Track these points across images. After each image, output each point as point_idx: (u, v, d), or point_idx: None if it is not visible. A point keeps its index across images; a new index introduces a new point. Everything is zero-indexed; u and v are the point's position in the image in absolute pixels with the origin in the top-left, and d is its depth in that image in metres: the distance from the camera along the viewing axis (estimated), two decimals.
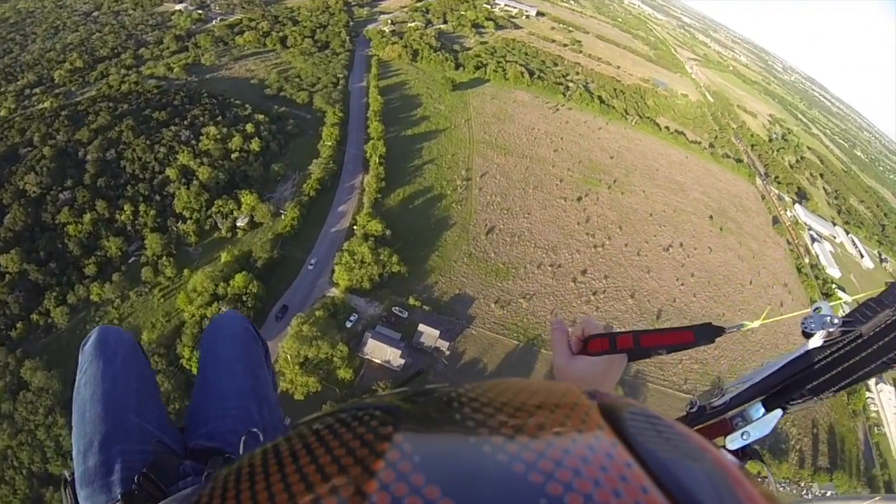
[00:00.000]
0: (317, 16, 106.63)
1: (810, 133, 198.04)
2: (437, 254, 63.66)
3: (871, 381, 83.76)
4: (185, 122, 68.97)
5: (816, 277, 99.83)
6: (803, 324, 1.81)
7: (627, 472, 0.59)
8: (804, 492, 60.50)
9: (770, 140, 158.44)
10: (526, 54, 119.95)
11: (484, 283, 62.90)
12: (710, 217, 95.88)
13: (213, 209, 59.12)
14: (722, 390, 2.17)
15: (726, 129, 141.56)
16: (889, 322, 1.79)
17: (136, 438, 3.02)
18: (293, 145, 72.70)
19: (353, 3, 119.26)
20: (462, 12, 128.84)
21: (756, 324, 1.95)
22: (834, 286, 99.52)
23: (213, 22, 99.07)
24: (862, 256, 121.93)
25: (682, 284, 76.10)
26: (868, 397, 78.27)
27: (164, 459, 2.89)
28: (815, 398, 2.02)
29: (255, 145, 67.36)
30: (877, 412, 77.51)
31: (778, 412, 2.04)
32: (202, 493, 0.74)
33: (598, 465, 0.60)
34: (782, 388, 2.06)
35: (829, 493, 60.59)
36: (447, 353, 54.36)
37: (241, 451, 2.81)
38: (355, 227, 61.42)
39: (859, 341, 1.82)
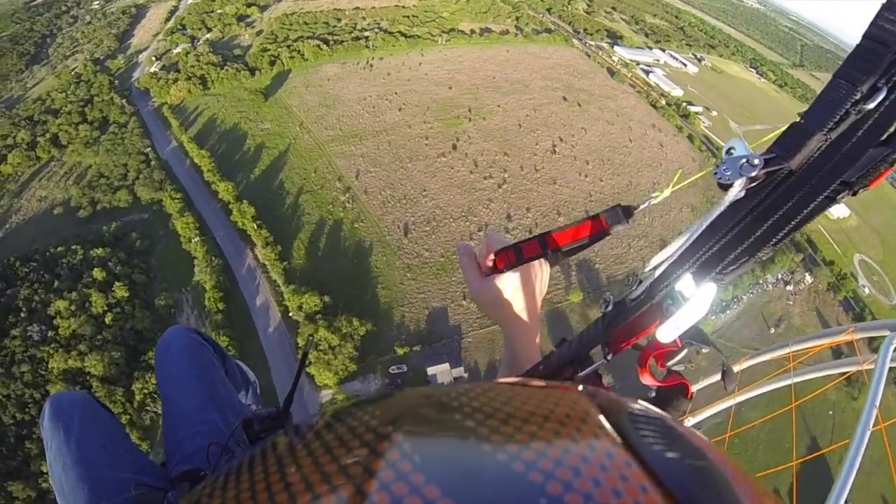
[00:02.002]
0: (73, 93, 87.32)
1: None
2: (381, 286, 56.58)
3: None
4: (23, 314, 52.64)
5: (668, 105, 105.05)
6: (716, 174, 1.42)
7: (627, 471, 0.59)
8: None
9: None
10: (306, 24, 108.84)
11: (440, 286, 57.83)
12: (564, 98, 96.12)
13: (136, 398, 46.95)
14: (637, 277, 1.77)
15: (519, 5, 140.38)
16: (822, 148, 1.39)
17: (116, 491, 3.00)
18: (156, 261, 59.10)
19: (103, 58, 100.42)
20: (219, 10, 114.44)
21: (666, 193, 1.64)
22: (684, 104, 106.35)
23: None
24: (685, 66, 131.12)
25: (586, 176, 76.57)
26: None
27: (147, 499, 2.87)
28: (751, 259, 1.55)
29: (120, 292, 53.11)
30: None
31: (711, 286, 1.61)
32: (202, 494, 0.74)
33: (598, 465, 0.59)
34: (710, 255, 1.63)
35: None
36: (466, 375, 50.46)
37: (209, 465, 2.81)
38: (291, 314, 52.16)
39: (790, 179, 1.44)
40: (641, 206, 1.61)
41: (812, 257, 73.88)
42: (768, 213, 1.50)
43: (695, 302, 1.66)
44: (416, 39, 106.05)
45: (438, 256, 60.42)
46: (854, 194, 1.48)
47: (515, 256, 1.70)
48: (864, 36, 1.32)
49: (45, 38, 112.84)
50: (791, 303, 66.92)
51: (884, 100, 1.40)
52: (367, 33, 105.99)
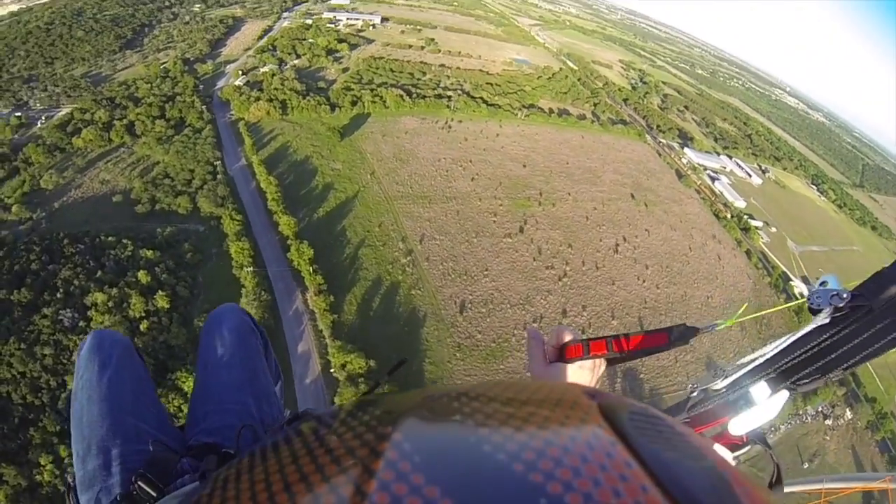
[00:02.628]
0: (158, 86, 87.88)
1: (656, 67, 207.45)
2: (429, 360, 53.99)
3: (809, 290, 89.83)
4: (59, 295, 50.32)
5: (730, 216, 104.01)
6: (809, 299, 1.83)
7: (627, 471, 0.59)
8: None
9: (634, 88, 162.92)
10: (392, 70, 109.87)
11: (487, 372, 55.21)
12: (632, 196, 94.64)
13: None
14: (723, 371, 2.18)
15: (598, 91, 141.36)
16: None
17: (134, 439, 3.00)
18: (203, 278, 56.60)
19: (193, 60, 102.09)
20: (311, 40, 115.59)
21: (730, 322, 1.96)
22: (746, 217, 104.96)
23: (38, 124, 78.18)
24: (750, 176, 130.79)
25: (644, 281, 74.69)
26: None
27: (162, 458, 2.83)
28: (823, 377, 2.02)
29: (161, 302, 50.33)
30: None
31: (784, 393, 2.06)
32: (202, 494, 0.73)
33: (598, 464, 0.59)
34: (788, 367, 2.06)
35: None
36: None
37: (236, 446, 2.80)
38: (333, 371, 49.61)
39: (869, 316, 1.81)
40: (704, 330, 1.82)
41: (855, 392, 71.03)
42: (847, 340, 1.86)
43: (766, 405, 2.06)
44: (497, 109, 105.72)
45: (490, 341, 58.05)
46: None
47: (583, 350, 1.81)
48: None
49: (143, 27, 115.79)
50: (828, 438, 64.04)
51: None
52: (449, 93, 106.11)
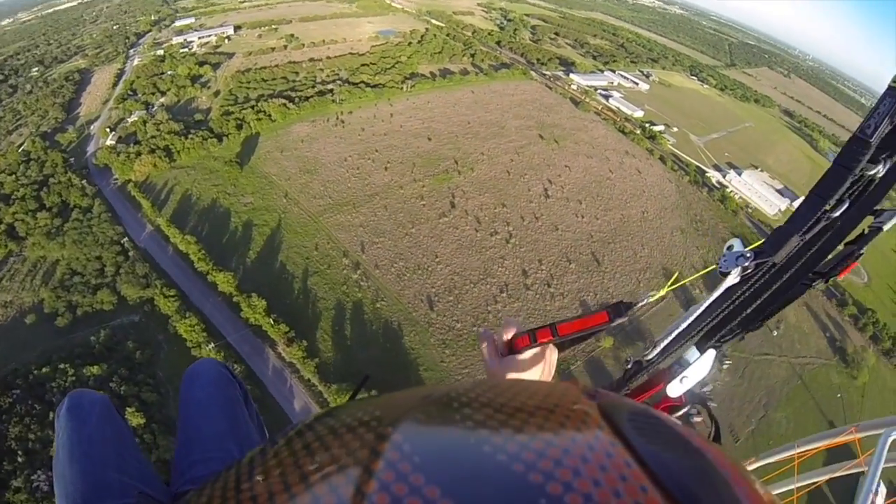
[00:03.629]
0: (24, 174, 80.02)
1: (514, 1, 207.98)
2: (423, 368, 52.57)
3: (724, 175, 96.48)
4: (20, 459, 43.60)
5: (634, 128, 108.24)
6: (719, 264, 2.01)
7: (627, 471, 0.59)
8: None
9: (502, 29, 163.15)
10: (264, 80, 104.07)
11: (481, 357, 53.83)
12: (540, 136, 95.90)
13: None
14: (653, 342, 2.35)
15: (470, 42, 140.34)
16: (798, 246, 2.07)
17: (118, 494, 2.99)
18: (163, 373, 51.12)
19: (51, 131, 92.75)
20: (170, 72, 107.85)
21: (662, 292, 2.05)
22: (648, 126, 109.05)
23: None
24: (637, 84, 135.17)
25: (582, 217, 76.35)
26: (729, 191, 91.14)
27: None
28: (743, 332, 2.30)
29: (135, 420, 44.46)
30: (741, 197, 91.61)
31: (711, 352, 2.27)
32: (202, 493, 0.74)
33: (597, 465, 0.59)
34: (711, 328, 2.29)
35: None
36: None
37: None
38: None
39: (774, 270, 2.08)
40: (639, 304, 1.92)
41: None
42: (757, 295, 2.08)
43: (697, 365, 2.25)
44: (382, 89, 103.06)
45: (470, 326, 57.33)
46: (826, 282, 2.16)
47: (530, 340, 1.87)
48: (835, 162, 1.93)
49: None
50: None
51: (846, 210, 1.99)
52: (330, 86, 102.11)
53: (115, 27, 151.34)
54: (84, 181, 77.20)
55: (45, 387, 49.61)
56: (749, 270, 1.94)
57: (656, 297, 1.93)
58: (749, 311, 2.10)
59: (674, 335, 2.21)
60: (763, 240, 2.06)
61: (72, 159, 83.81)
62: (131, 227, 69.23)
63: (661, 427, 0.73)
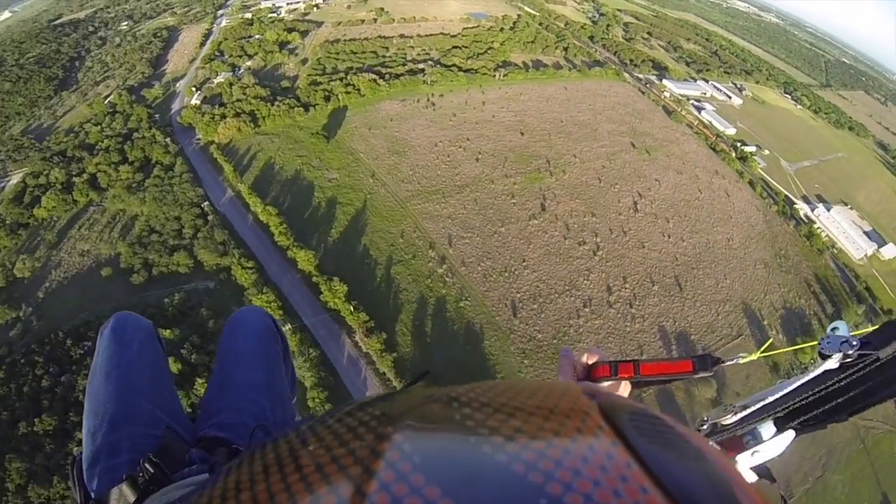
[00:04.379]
0: (109, 126, 78.87)
1: None
2: (500, 375, 49.29)
3: (813, 209, 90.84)
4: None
5: (725, 146, 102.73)
6: (820, 344, 1.92)
7: (627, 472, 0.59)
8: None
9: (594, 23, 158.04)
10: (353, 52, 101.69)
11: (556, 372, 50.64)
12: (632, 145, 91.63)
13: None
14: (734, 407, 2.29)
15: (563, 34, 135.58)
16: None
17: (147, 423, 3.02)
18: None
19: (137, 86, 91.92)
20: (258, 35, 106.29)
21: (754, 357, 1.99)
22: (739, 144, 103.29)
23: None
24: (730, 98, 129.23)
25: (669, 237, 72.20)
26: (816, 227, 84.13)
27: (172, 446, 2.85)
28: (828, 421, 2.14)
29: (203, 390, 42.14)
30: (827, 236, 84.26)
31: (790, 433, 2.15)
32: (202, 494, 0.73)
33: (598, 465, 0.59)
34: (795, 408, 2.16)
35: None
36: None
37: (248, 445, 2.75)
38: None
39: (877, 364, 1.90)
40: (727, 362, 1.84)
41: (873, 308, 71.78)
42: (853, 386, 1.94)
43: (772, 443, 2.14)
44: (473, 74, 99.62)
45: (551, 338, 53.99)
46: None
47: (610, 371, 1.84)
48: None
49: (73, 62, 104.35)
50: None
51: None
52: (421, 66, 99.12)
53: None
54: (168, 139, 76.28)
55: None
56: (850, 359, 1.82)
57: (747, 359, 1.88)
58: (840, 400, 1.91)
59: (757, 406, 2.10)
60: (872, 328, 1.90)
61: (156, 115, 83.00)
62: (212, 190, 67.64)
63: (662, 427, 0.73)
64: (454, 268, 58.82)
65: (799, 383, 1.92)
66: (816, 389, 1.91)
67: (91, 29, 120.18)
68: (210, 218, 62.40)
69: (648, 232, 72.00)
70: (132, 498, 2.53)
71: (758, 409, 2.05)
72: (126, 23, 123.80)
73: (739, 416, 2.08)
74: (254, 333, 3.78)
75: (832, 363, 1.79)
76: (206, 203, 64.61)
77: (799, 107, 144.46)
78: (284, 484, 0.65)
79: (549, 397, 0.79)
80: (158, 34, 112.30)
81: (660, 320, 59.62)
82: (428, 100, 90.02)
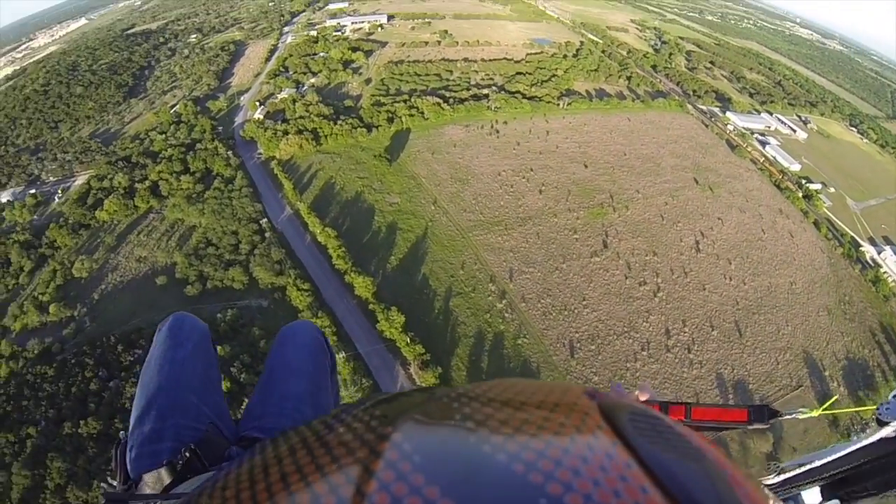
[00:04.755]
0: (173, 135, 79.82)
1: (668, 21, 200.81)
2: None
3: (879, 252, 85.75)
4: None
5: (790, 183, 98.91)
6: (878, 410, 1.84)
7: (627, 472, 0.59)
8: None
9: (657, 51, 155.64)
10: (417, 74, 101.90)
11: None
12: (695, 181, 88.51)
13: None
14: (779, 468, 2.18)
15: (626, 62, 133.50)
16: None
17: (193, 416, 3.09)
18: None
19: (203, 97, 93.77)
20: (323, 53, 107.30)
21: (815, 413, 1.90)
22: (805, 182, 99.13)
23: (56, 199, 69.94)
24: (795, 132, 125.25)
25: (730, 279, 69.47)
26: (883, 272, 79.64)
27: (214, 440, 2.95)
28: (880, 492, 1.91)
29: None
30: (894, 281, 79.57)
31: (836, 503, 1.99)
32: (202, 493, 0.75)
33: (597, 465, 0.59)
34: (845, 476, 2.00)
35: None
36: None
37: None
38: None
39: None
40: (786, 416, 1.78)
41: None
42: None
43: None
44: (538, 102, 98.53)
45: (607, 381, 52.14)
46: None
47: (660, 411, 1.64)
48: None
49: (143, 70, 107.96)
50: None
51: None
52: (485, 91, 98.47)
53: (271, 4, 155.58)
54: (230, 151, 77.20)
55: None
56: None
57: (807, 415, 1.82)
58: (893, 474, 1.74)
59: (803, 469, 1.98)
60: None
61: (220, 128, 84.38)
62: (270, 207, 67.94)
63: (662, 428, 0.73)
64: (514, 303, 57.45)
65: (853, 448, 1.78)
66: (870, 457, 1.77)
67: (162, 40, 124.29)
68: (267, 235, 62.54)
69: (710, 273, 69.71)
70: (167, 481, 2.61)
71: (805, 472, 1.92)
72: (195, 35, 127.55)
73: (784, 476, 1.96)
74: (304, 345, 3.86)
75: (889, 430, 1.70)
76: (265, 220, 64.79)
77: (865, 140, 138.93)
78: (284, 483, 0.65)
79: (549, 397, 0.79)
80: (226, 48, 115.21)
81: (718, 367, 57.44)
82: (492, 126, 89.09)
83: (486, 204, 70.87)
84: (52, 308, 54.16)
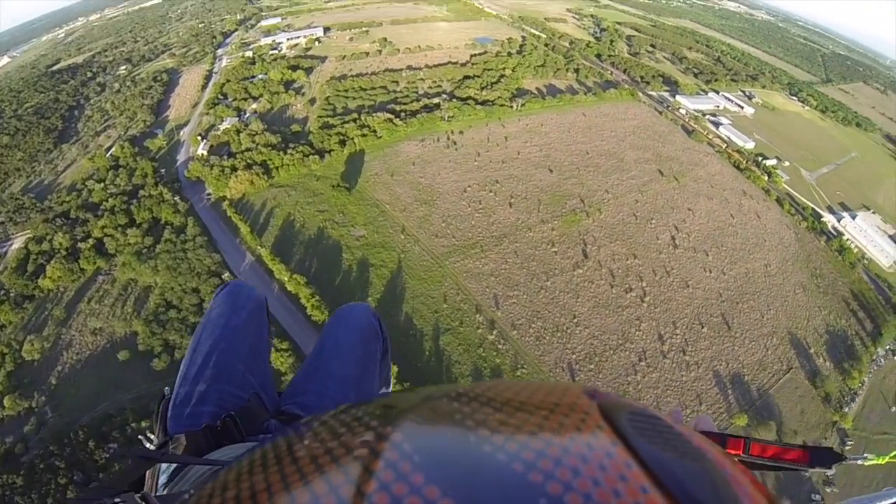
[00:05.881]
0: (112, 182, 74.43)
1: (602, 7, 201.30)
2: None
3: (839, 219, 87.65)
4: None
5: (748, 163, 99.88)
6: None
7: (627, 471, 0.59)
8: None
9: (598, 39, 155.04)
10: (362, 89, 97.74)
11: None
12: (660, 172, 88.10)
13: None
14: None
15: (571, 55, 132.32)
16: None
17: (237, 384, 3.12)
18: None
19: (140, 135, 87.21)
20: (262, 75, 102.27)
21: (882, 461, 2.10)
22: (761, 159, 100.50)
23: None
24: (742, 108, 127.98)
25: (710, 271, 69.42)
26: (846, 240, 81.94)
27: (254, 411, 2.92)
28: None
29: None
30: (856, 246, 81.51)
31: None
32: (202, 493, 0.74)
33: (597, 465, 0.59)
34: None
35: None
36: None
37: None
38: None
39: None
40: (849, 461, 1.83)
41: None
42: None
43: None
44: (491, 106, 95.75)
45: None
46: None
47: (720, 444, 1.72)
48: None
49: (72, 111, 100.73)
50: None
51: None
52: (435, 100, 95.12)
53: (200, 25, 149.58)
54: (176, 196, 71.56)
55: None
56: None
57: (872, 462, 1.73)
58: None
59: None
60: None
61: (162, 169, 78.63)
62: (230, 255, 63.11)
63: (662, 427, 0.73)
64: (505, 332, 54.76)
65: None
66: None
67: (89, 74, 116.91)
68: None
69: (690, 269, 69.21)
70: (203, 445, 2.61)
71: None
72: (125, 67, 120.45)
73: None
74: (357, 328, 3.78)
75: None
76: (226, 273, 59.70)
77: (807, 108, 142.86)
78: (284, 483, 0.65)
79: (548, 397, 0.79)
80: (158, 77, 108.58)
81: (713, 364, 57.10)
82: (448, 138, 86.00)
83: (456, 226, 67.85)
84: (6, 401, 48.10)
